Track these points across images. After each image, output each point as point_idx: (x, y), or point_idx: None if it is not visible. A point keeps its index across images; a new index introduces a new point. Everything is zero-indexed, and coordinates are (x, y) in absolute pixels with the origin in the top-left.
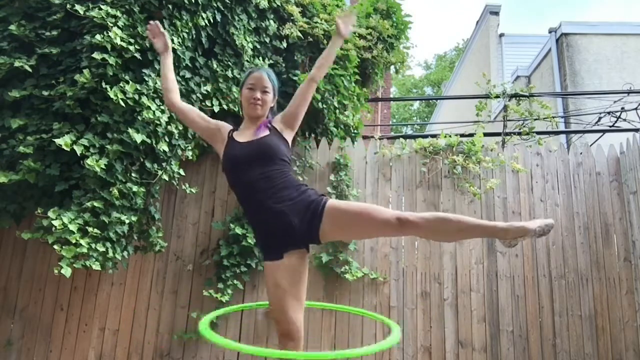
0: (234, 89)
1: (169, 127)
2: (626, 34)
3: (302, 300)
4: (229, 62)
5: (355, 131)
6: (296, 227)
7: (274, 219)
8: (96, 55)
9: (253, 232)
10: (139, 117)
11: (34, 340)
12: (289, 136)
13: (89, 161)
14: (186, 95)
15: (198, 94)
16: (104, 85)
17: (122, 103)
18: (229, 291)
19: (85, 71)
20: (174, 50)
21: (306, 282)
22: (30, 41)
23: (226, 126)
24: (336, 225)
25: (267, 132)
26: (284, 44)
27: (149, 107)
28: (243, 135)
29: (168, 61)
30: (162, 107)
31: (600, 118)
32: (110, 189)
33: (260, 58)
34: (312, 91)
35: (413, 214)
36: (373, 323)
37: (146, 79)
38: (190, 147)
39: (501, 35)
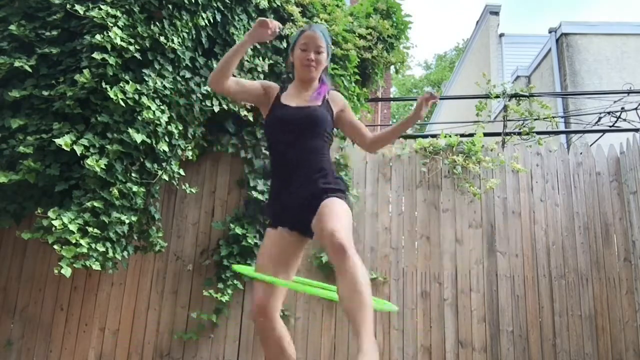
0: None
1: (169, 127)
2: (626, 34)
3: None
4: None
5: None
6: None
7: (297, 192)
8: (96, 55)
9: (270, 191)
10: (139, 117)
11: (34, 340)
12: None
13: (89, 161)
14: (186, 95)
15: (198, 94)
16: (104, 85)
17: (122, 103)
18: (229, 291)
19: (85, 71)
20: (173, 50)
21: (294, 270)
22: (30, 41)
23: (272, 88)
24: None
25: (319, 103)
26: (284, 44)
27: (149, 107)
28: (294, 99)
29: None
30: (162, 107)
31: (600, 118)
32: (110, 189)
33: (260, 58)
34: (356, 136)
35: (349, 257)
36: (373, 323)
37: (146, 79)
38: (190, 147)
39: (501, 35)
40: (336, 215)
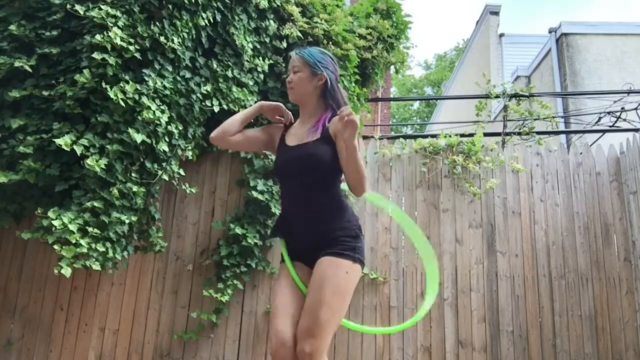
0: (234, 89)
1: (169, 127)
2: (626, 34)
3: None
4: (229, 62)
5: None
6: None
7: (306, 236)
8: (96, 55)
9: (282, 225)
10: (139, 117)
11: (34, 340)
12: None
13: (89, 161)
14: (186, 95)
15: (198, 94)
16: (104, 85)
17: (122, 103)
18: (229, 291)
19: (85, 71)
20: (173, 50)
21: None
22: (30, 41)
23: (277, 130)
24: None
25: (317, 136)
26: (284, 44)
27: (149, 107)
28: (295, 136)
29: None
30: (162, 107)
31: (600, 118)
32: (110, 189)
33: (260, 58)
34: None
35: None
36: (373, 323)
37: (146, 79)
38: (190, 147)
39: (501, 35)
40: (316, 305)
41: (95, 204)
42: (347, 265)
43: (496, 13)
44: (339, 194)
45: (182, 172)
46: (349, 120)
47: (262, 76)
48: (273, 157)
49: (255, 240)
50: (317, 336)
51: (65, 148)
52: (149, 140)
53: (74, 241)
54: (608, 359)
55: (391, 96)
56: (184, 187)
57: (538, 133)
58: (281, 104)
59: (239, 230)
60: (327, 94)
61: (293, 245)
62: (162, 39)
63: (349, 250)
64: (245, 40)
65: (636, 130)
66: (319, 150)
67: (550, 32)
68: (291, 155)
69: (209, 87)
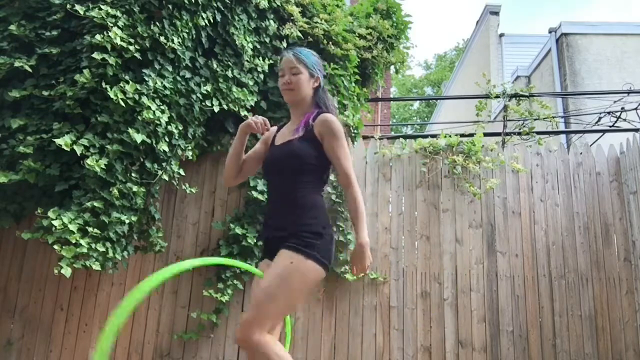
0: (234, 89)
1: (169, 127)
2: (626, 34)
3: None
4: (229, 62)
5: (355, 131)
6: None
7: (274, 226)
8: (96, 55)
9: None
10: (139, 117)
11: (34, 340)
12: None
13: (89, 161)
14: (186, 95)
15: (198, 94)
16: (104, 85)
17: (122, 103)
18: (229, 291)
19: (85, 71)
20: (173, 50)
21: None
22: (30, 41)
23: (268, 136)
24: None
25: (300, 134)
26: (284, 44)
27: (149, 107)
28: (282, 136)
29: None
30: (162, 107)
31: (600, 118)
32: (110, 189)
33: (260, 58)
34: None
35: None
36: (373, 323)
37: (146, 79)
38: (190, 147)
39: (501, 35)
40: (260, 294)
41: (95, 204)
42: (296, 258)
43: (496, 13)
44: (313, 193)
45: (182, 172)
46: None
47: (262, 76)
48: None
49: (255, 240)
50: (247, 319)
51: (65, 148)
52: (149, 140)
53: (74, 241)
54: (608, 359)
55: (391, 96)
56: (184, 187)
57: (538, 133)
58: (254, 117)
59: (239, 230)
60: (318, 96)
61: (266, 240)
62: (162, 39)
63: (304, 246)
64: (245, 40)
65: (636, 130)
66: (298, 148)
67: (550, 32)
68: (275, 153)
69: (209, 87)
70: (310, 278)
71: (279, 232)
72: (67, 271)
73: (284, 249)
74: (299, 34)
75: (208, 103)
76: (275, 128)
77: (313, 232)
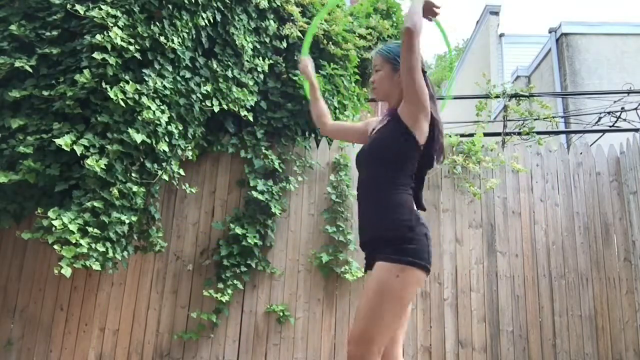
0: (234, 89)
1: (169, 127)
2: (626, 34)
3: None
4: (229, 62)
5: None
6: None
7: (362, 231)
8: (96, 55)
9: None
10: (139, 117)
11: (34, 340)
12: (416, 123)
13: (89, 161)
14: (186, 95)
15: (198, 94)
16: (104, 85)
17: (122, 103)
18: (229, 291)
19: (85, 71)
20: (173, 50)
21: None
22: (30, 41)
23: (373, 121)
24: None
25: (386, 121)
26: (284, 44)
27: (149, 107)
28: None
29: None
30: (162, 107)
31: (600, 118)
32: (110, 189)
33: (260, 58)
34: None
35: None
36: None
37: (146, 79)
38: (190, 147)
39: (501, 35)
40: (363, 310)
41: (95, 204)
42: (392, 268)
43: (496, 13)
44: (394, 189)
45: (182, 172)
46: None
47: (262, 76)
48: (273, 157)
49: (255, 240)
50: (355, 334)
51: (65, 148)
52: (149, 140)
53: (74, 241)
54: (608, 359)
55: None
56: (184, 187)
57: (538, 133)
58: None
59: (239, 230)
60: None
61: (361, 246)
62: (162, 39)
63: (397, 253)
64: (245, 40)
65: (636, 130)
66: (379, 138)
67: (550, 32)
68: (365, 145)
69: (209, 87)
70: (409, 285)
71: (368, 233)
72: (67, 271)
73: (379, 262)
74: (299, 34)
75: (208, 103)
76: (375, 120)
77: (399, 237)
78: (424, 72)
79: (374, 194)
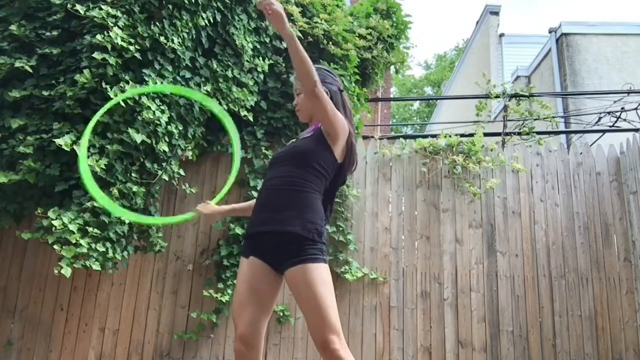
0: (234, 89)
1: (169, 127)
2: (626, 34)
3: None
4: (229, 62)
5: (355, 131)
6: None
7: (264, 225)
8: (96, 55)
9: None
10: (139, 117)
11: (34, 340)
12: (336, 146)
13: (89, 161)
14: None
15: None
16: (104, 85)
17: (122, 103)
18: (229, 291)
19: (86, 71)
20: (173, 50)
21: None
22: (31, 41)
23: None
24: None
25: (310, 134)
26: (284, 44)
27: (149, 107)
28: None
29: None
30: (162, 107)
31: (600, 118)
32: (110, 189)
33: (260, 58)
34: (314, 104)
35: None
36: (373, 323)
37: (146, 79)
38: (190, 147)
39: (501, 35)
40: (318, 306)
41: (96, 204)
42: (317, 265)
43: (496, 13)
44: (312, 192)
45: (182, 172)
46: (265, 9)
47: (262, 76)
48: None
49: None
50: (315, 328)
51: (65, 148)
52: (149, 140)
53: (74, 241)
54: (608, 359)
55: (391, 96)
56: (184, 187)
57: (538, 133)
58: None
59: (239, 230)
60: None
61: (252, 235)
62: (162, 39)
63: (313, 257)
64: (245, 40)
65: (636, 130)
66: (304, 144)
67: (550, 32)
68: (286, 149)
69: (209, 87)
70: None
71: (273, 229)
72: (67, 271)
73: (305, 264)
74: (299, 34)
75: None
76: None
77: (311, 239)
78: (341, 91)
79: (291, 190)
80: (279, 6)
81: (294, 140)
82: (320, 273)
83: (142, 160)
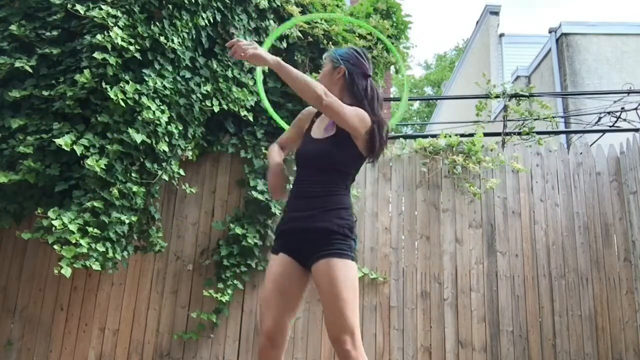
0: (234, 89)
1: (169, 127)
2: (626, 34)
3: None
4: (229, 62)
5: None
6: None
7: (300, 222)
8: (97, 55)
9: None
10: (139, 117)
11: (34, 340)
12: (359, 140)
13: (89, 161)
14: (186, 95)
15: (198, 94)
16: (104, 85)
17: (122, 103)
18: (229, 291)
19: (86, 71)
20: (173, 50)
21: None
22: (31, 41)
23: (308, 116)
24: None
25: (333, 132)
26: (284, 44)
27: (149, 107)
28: (317, 128)
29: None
30: (162, 107)
31: (600, 118)
32: (110, 189)
33: None
34: (328, 115)
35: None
36: (373, 323)
37: (146, 79)
38: (190, 147)
39: (501, 35)
40: (337, 302)
41: (95, 204)
42: (344, 262)
43: (496, 13)
44: (340, 194)
45: (182, 172)
46: (242, 57)
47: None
48: None
49: (255, 240)
50: (335, 326)
51: (65, 148)
52: (149, 140)
53: (74, 241)
54: (608, 359)
55: (391, 96)
56: (184, 187)
57: (538, 133)
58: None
59: (239, 230)
60: (347, 88)
61: (286, 232)
62: (162, 39)
63: (346, 252)
64: (246, 40)
65: (636, 130)
66: (328, 148)
67: (550, 32)
68: (311, 148)
69: (209, 87)
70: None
71: (309, 233)
72: (67, 271)
73: (332, 258)
74: (299, 34)
75: (208, 103)
76: (311, 114)
77: (343, 240)
78: (368, 76)
79: (325, 192)
80: (252, 46)
81: (313, 129)
82: (345, 269)
83: (142, 160)
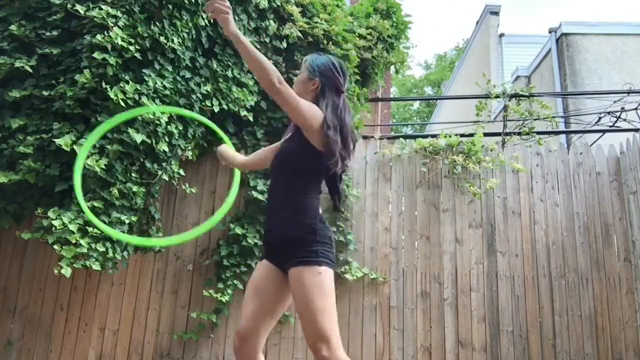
0: (234, 89)
1: (169, 127)
2: (626, 34)
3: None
4: (229, 62)
5: (355, 131)
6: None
7: (274, 231)
8: (97, 55)
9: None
10: (139, 117)
11: (34, 340)
12: (313, 137)
13: (89, 161)
14: (186, 95)
15: (198, 94)
16: (104, 85)
17: (122, 103)
18: (229, 291)
19: (86, 71)
20: (173, 50)
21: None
22: (31, 41)
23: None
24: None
25: (290, 133)
26: (284, 44)
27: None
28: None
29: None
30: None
31: (600, 118)
32: (110, 189)
33: None
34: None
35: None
36: (373, 323)
37: (146, 79)
38: (190, 147)
39: (501, 35)
40: (309, 311)
41: (95, 204)
42: (315, 269)
43: (496, 13)
44: (303, 196)
45: (182, 172)
46: (209, 9)
47: None
48: None
49: (255, 240)
50: (311, 336)
51: (65, 148)
52: (149, 140)
53: (74, 241)
54: (608, 359)
55: (391, 96)
56: (184, 187)
57: (538, 133)
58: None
59: (239, 230)
60: (319, 100)
61: (268, 242)
62: (162, 39)
63: (314, 259)
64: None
65: (636, 130)
66: (287, 149)
67: (550, 32)
68: (276, 155)
69: (209, 87)
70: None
71: (279, 237)
72: (67, 271)
73: (298, 266)
74: (299, 34)
75: (208, 103)
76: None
77: (309, 240)
78: (341, 92)
79: (285, 195)
80: (225, 6)
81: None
82: (312, 277)
83: (142, 160)
